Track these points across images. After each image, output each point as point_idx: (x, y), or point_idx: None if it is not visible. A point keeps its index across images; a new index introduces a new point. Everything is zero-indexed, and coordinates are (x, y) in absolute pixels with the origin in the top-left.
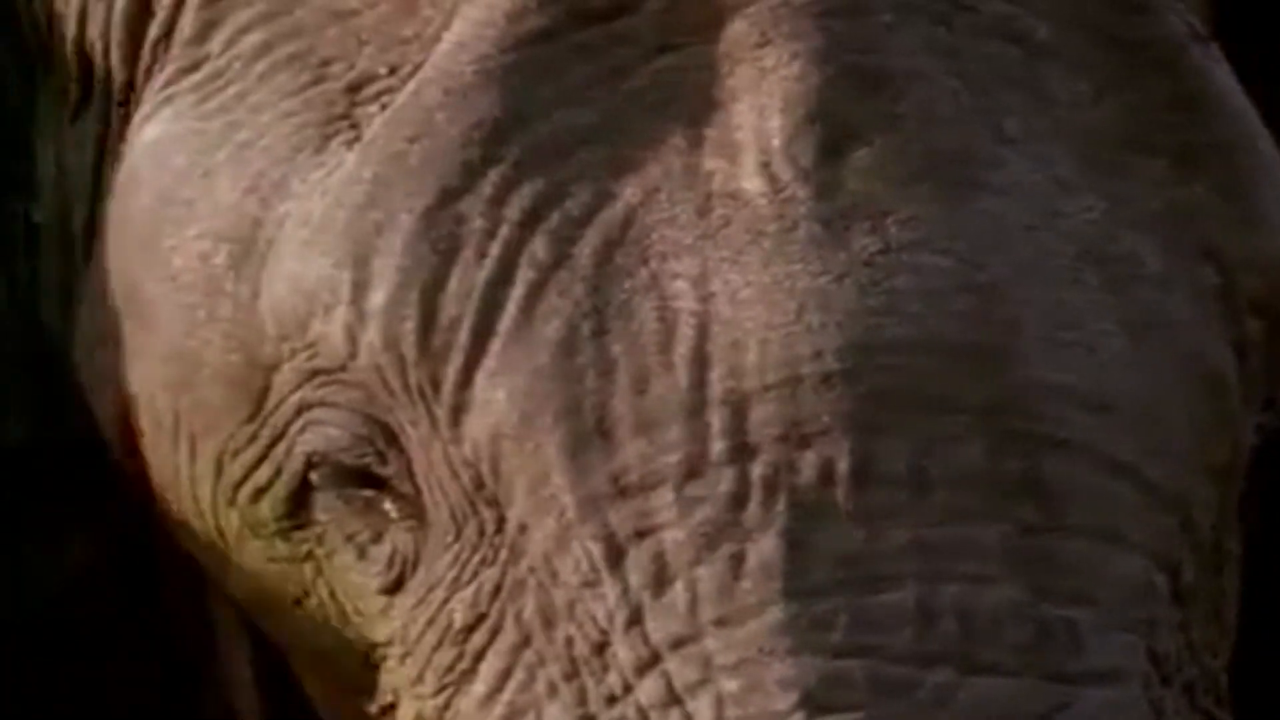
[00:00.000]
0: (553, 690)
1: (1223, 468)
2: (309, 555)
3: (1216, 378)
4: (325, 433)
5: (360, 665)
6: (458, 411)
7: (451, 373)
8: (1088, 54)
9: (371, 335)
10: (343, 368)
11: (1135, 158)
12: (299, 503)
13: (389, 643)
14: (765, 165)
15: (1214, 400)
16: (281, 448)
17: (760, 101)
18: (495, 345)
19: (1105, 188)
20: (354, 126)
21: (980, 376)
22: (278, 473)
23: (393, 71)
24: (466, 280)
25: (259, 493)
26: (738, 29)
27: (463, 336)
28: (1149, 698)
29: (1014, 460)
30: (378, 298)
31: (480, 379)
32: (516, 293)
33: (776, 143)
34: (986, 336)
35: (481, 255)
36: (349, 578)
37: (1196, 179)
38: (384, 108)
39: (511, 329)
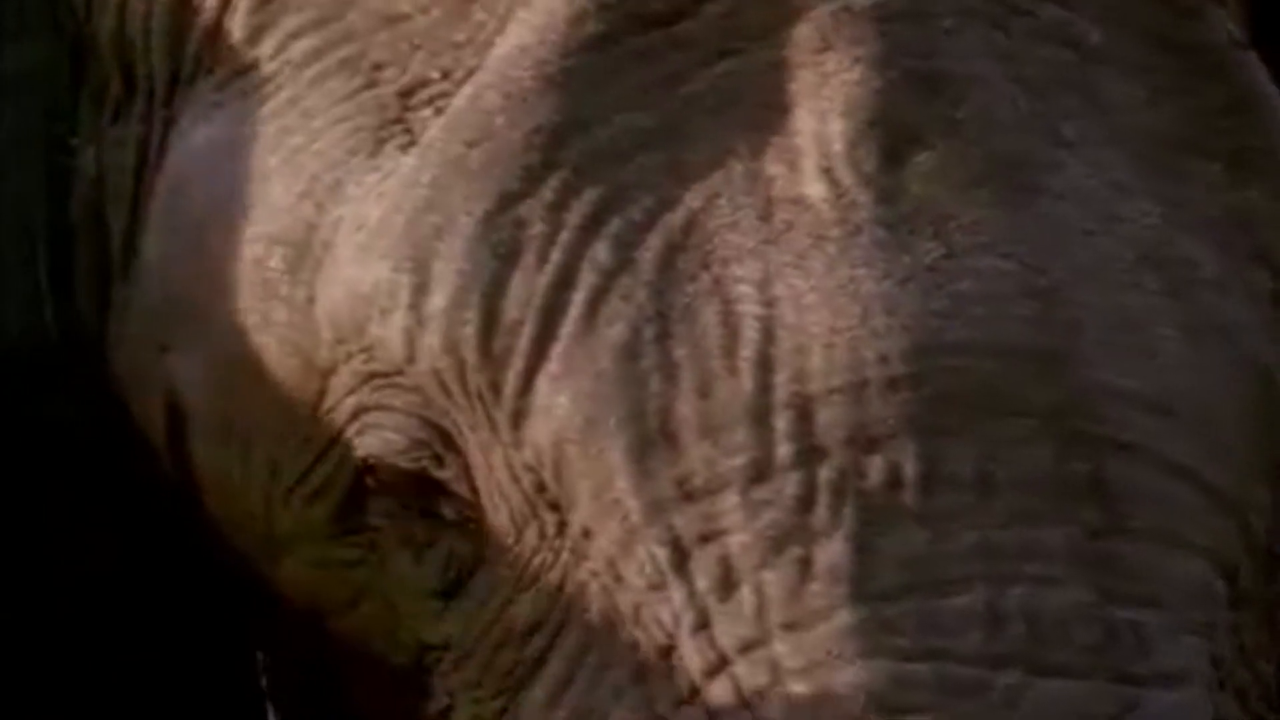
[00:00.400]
0: (619, 694)
1: (1277, 471)
2: (363, 559)
3: (1271, 381)
4: (382, 436)
5: (413, 669)
6: (519, 416)
7: (512, 377)
8: (1141, 58)
9: (431, 339)
10: (400, 371)
11: (1190, 162)
12: (354, 506)
13: (444, 646)
14: (827, 170)
15: (1269, 403)
16: (337, 451)
17: (821, 106)
18: (557, 349)
19: (1162, 192)
20: (408, 131)
21: (1043, 380)
22: (333, 476)
23: (446, 76)
24: (528, 284)
25: (313, 496)
26: (798, 34)
27: (524, 341)
28: (1212, 699)
29: (1078, 463)
30: (437, 301)
31: (542, 383)
32: (579, 297)
33: (838, 148)
34: (1049, 340)
35: (543, 260)
36: (404, 581)
37: (1251, 184)
38: (438, 112)
39: (574, 333)
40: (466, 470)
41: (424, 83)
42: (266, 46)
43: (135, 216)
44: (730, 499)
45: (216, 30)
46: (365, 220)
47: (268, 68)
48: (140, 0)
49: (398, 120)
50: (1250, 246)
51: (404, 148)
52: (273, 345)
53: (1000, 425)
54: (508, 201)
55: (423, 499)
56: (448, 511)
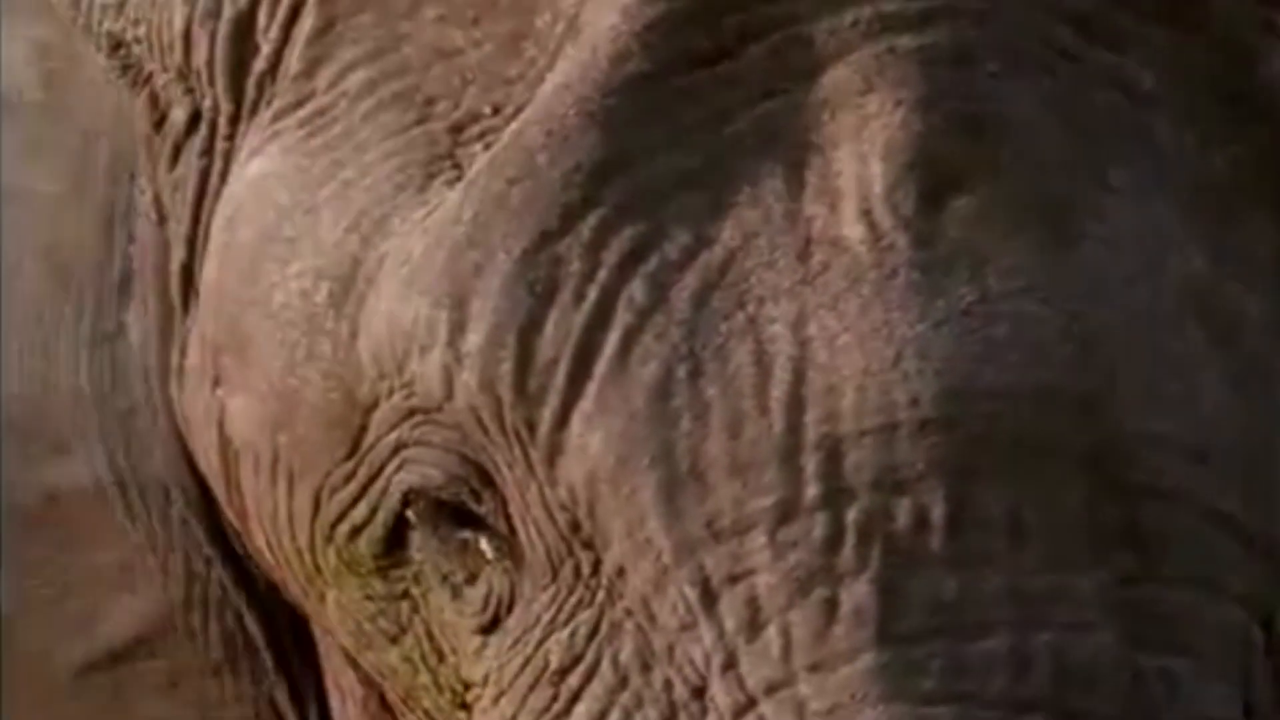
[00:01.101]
0: None
1: None
2: (405, 593)
3: None
4: (422, 471)
5: (454, 705)
6: (553, 454)
7: (547, 415)
8: (1193, 103)
9: (468, 376)
10: (439, 408)
11: (1241, 208)
12: (395, 541)
13: (483, 683)
14: (866, 212)
15: None
16: (378, 486)
17: (861, 148)
18: (591, 388)
19: (1209, 239)
20: (456, 166)
21: (1078, 425)
22: (374, 511)
23: (497, 111)
24: (564, 323)
25: (356, 531)
26: (840, 75)
27: (559, 379)
28: None
29: (1112, 509)
30: (474, 339)
31: (576, 422)
32: (613, 336)
33: (878, 189)
34: (1085, 385)
35: (579, 298)
36: (444, 617)
37: None
38: (487, 147)
39: (608, 372)
40: (504, 507)
41: (475, 118)
42: (323, 79)
43: (193, 250)
44: (758, 539)
45: (276, 62)
46: (410, 256)
47: (323, 100)
48: (203, 33)
49: (447, 156)
50: None
51: (452, 183)
52: (316, 379)
53: (1032, 470)
54: (546, 239)
55: (462, 535)
56: (487, 548)
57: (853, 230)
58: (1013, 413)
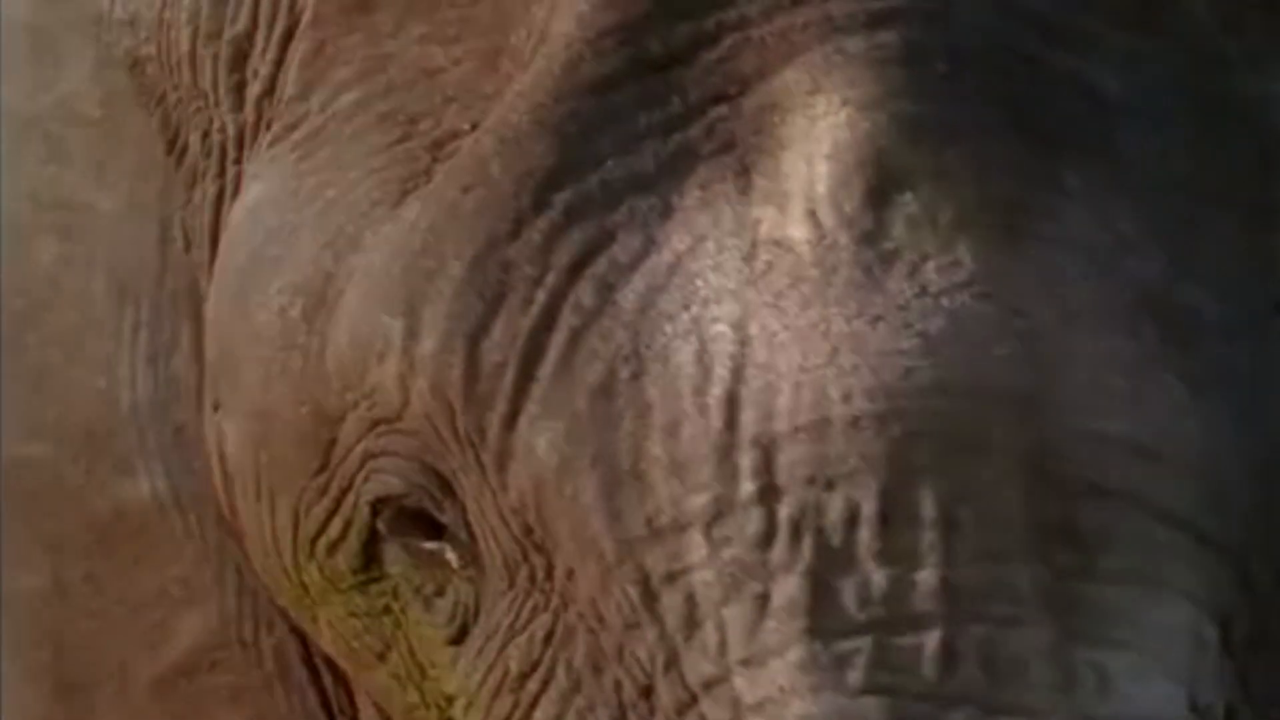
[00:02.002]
0: None
1: None
2: (387, 609)
3: None
4: (385, 480)
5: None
6: (503, 458)
7: (496, 420)
8: (1158, 108)
9: (421, 383)
10: (399, 416)
11: (1207, 213)
12: (371, 555)
13: (457, 695)
14: (811, 212)
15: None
16: (350, 499)
17: (809, 149)
18: (537, 391)
19: (1170, 243)
20: (431, 182)
21: (1016, 422)
22: (348, 525)
23: (474, 128)
24: (511, 327)
25: (333, 546)
26: (790, 77)
27: (506, 383)
28: None
29: (1050, 505)
30: (427, 346)
31: (522, 425)
32: (559, 338)
33: (822, 190)
34: (1025, 382)
35: (527, 302)
36: (420, 630)
37: (1273, 234)
38: None
39: (552, 375)
40: (464, 515)
41: (454, 135)
42: (316, 101)
43: (212, 277)
44: (694, 537)
45: (272, 85)
46: (372, 267)
47: (316, 121)
48: (206, 54)
49: (425, 172)
50: (1265, 296)
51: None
52: (289, 395)
53: (967, 466)
54: (496, 245)
55: (429, 546)
56: (451, 558)
57: (799, 230)
58: (947, 409)
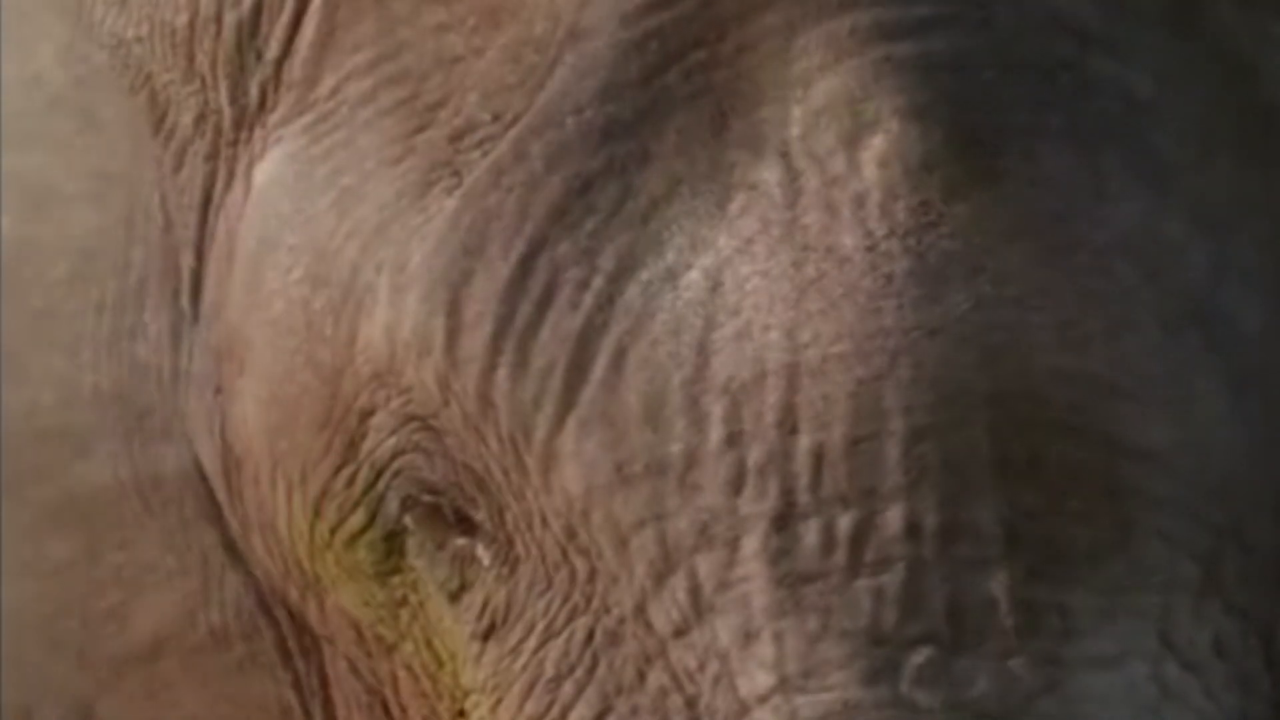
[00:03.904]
0: None
1: None
2: (404, 600)
3: None
4: (419, 477)
5: (453, 712)
6: (549, 461)
7: (543, 422)
8: (1195, 113)
9: (464, 383)
10: (436, 415)
11: (1243, 218)
12: (393, 548)
13: (481, 690)
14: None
15: None
16: (376, 492)
17: (859, 155)
18: (586, 394)
19: (1211, 247)
20: (456, 174)
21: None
22: (372, 517)
23: (496, 119)
24: (559, 329)
25: (354, 537)
26: (837, 83)
27: (554, 385)
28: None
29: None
30: (470, 346)
31: (571, 428)
32: (609, 342)
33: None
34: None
35: (575, 305)
36: (442, 624)
37: None
38: (486, 155)
39: (603, 378)
40: (500, 514)
41: (475, 126)
42: (324, 86)
43: (200, 257)
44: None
45: (278, 69)
46: (407, 263)
47: (325, 107)
48: (206, 36)
49: (447, 163)
50: None
51: (450, 191)
52: (315, 386)
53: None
54: (542, 246)
55: (459, 542)
56: (483, 555)
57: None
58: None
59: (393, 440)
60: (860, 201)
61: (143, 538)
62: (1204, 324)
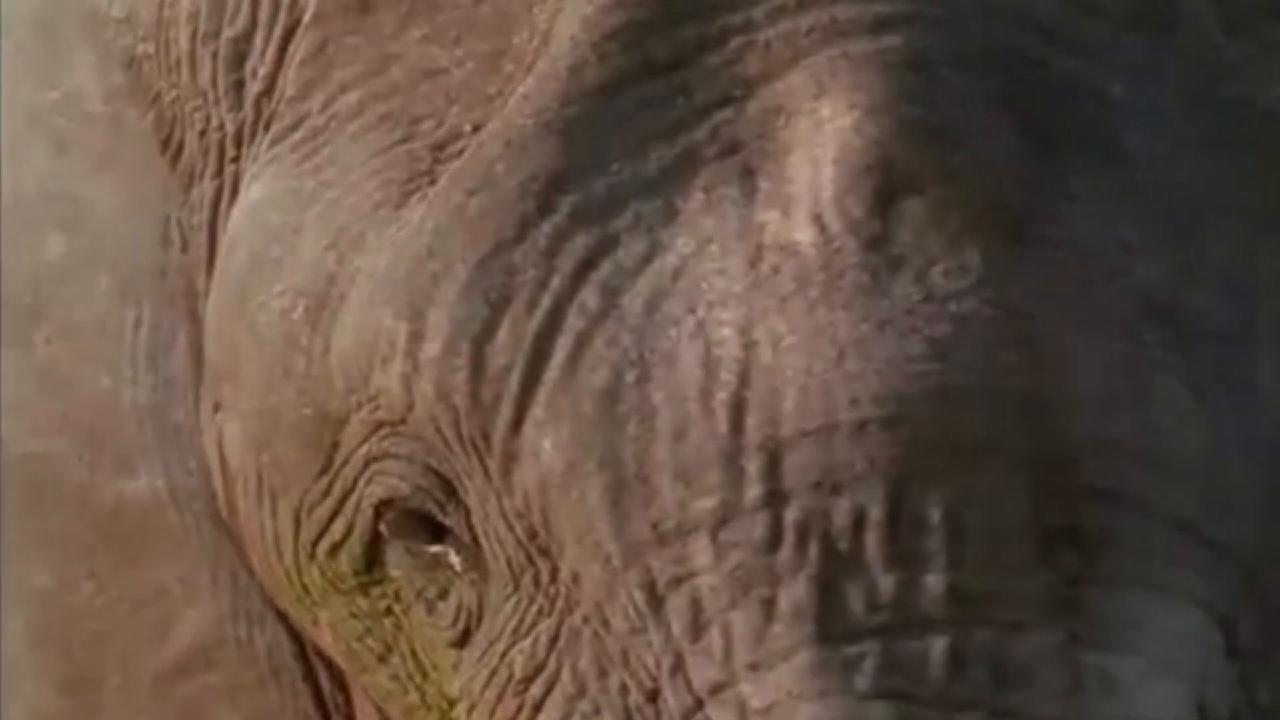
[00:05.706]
0: None
1: None
2: (388, 610)
3: None
4: (389, 483)
5: None
6: (508, 461)
7: (501, 423)
8: (1165, 111)
9: (425, 386)
10: (402, 420)
11: (1212, 219)
12: (373, 557)
13: (460, 697)
14: (817, 216)
15: None
16: (352, 501)
17: (814, 153)
18: (542, 395)
19: (1175, 248)
20: (434, 183)
21: (1022, 427)
22: (351, 527)
23: (477, 129)
24: (516, 331)
25: (335, 548)
26: (795, 81)
27: (512, 387)
28: None
29: (1056, 510)
30: (432, 349)
31: (528, 428)
32: (564, 342)
33: (829, 194)
34: (1031, 387)
35: (532, 306)
36: (423, 632)
37: (1276, 239)
38: None
39: (558, 378)
40: (468, 519)
41: (456, 136)
42: (316, 101)
43: (211, 276)
44: (700, 541)
45: (272, 84)
46: (376, 270)
47: (316, 122)
48: (206, 53)
49: (427, 173)
50: (1274, 303)
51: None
52: (292, 397)
53: (973, 471)
54: (502, 249)
55: (433, 549)
56: (455, 561)
57: (804, 234)
58: (954, 414)
59: (364, 448)
60: (816, 198)
61: (180, 553)
62: (1166, 324)
